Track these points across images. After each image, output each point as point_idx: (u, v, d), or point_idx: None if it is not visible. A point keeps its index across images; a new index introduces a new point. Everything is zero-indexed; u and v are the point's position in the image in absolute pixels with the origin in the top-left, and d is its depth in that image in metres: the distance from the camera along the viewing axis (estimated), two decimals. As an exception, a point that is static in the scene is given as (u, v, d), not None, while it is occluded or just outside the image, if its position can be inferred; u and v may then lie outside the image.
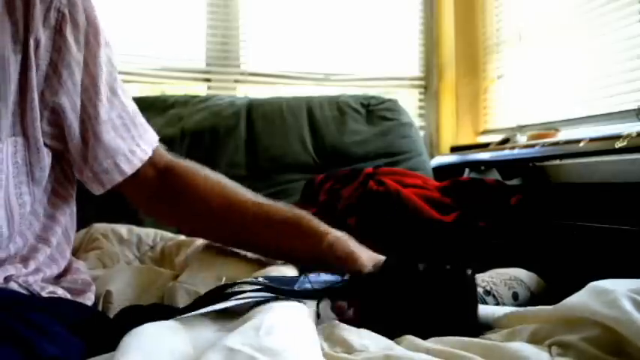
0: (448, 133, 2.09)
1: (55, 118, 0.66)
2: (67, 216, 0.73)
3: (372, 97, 1.71)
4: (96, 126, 0.69)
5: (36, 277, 0.66)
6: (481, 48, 2.05)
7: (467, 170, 1.67)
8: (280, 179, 1.53)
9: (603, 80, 1.50)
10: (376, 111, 1.67)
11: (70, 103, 0.66)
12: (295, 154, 1.57)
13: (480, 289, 0.87)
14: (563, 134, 1.52)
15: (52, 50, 0.64)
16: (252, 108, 1.62)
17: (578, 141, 1.21)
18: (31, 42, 0.61)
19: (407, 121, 1.69)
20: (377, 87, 2.06)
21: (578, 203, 1.22)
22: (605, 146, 1.14)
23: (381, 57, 2.10)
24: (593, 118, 1.51)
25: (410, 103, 2.11)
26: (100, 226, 1.15)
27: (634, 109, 1.32)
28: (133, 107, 0.75)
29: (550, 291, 0.95)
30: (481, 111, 2.06)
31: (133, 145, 0.74)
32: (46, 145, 0.66)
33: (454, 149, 1.91)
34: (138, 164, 0.74)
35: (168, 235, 1.19)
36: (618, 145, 1.08)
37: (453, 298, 0.43)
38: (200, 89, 1.98)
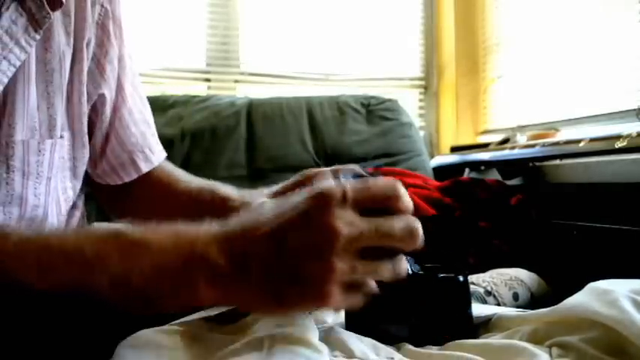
0: (448, 133, 2.09)
1: (92, 114, 0.67)
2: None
3: (372, 97, 1.71)
4: (121, 120, 0.70)
5: None
6: (481, 48, 2.05)
7: (467, 170, 1.67)
8: (280, 179, 1.50)
9: (603, 80, 1.50)
10: (376, 111, 1.67)
11: (109, 97, 0.67)
12: (295, 154, 1.57)
13: (480, 290, 0.87)
14: (563, 134, 1.52)
15: (96, 45, 0.64)
16: (252, 108, 1.62)
17: (578, 141, 1.21)
18: (86, 37, 0.62)
19: (407, 121, 1.69)
20: (377, 87, 2.06)
21: (578, 203, 1.22)
22: (605, 146, 1.14)
23: (381, 57, 2.10)
24: (593, 118, 1.51)
25: (410, 103, 2.11)
26: (100, 226, 1.15)
27: (634, 109, 1.32)
28: (148, 103, 0.76)
29: (550, 291, 0.95)
30: (481, 111, 2.06)
31: (153, 142, 0.75)
32: None
33: (454, 149, 1.90)
34: (155, 164, 0.75)
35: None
36: (618, 145, 1.08)
37: (445, 306, 0.42)
38: (200, 89, 1.98)
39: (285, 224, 0.37)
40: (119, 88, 0.70)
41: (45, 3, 0.54)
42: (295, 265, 0.36)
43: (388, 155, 1.59)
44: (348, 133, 1.62)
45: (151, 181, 0.76)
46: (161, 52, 1.88)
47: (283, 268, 0.36)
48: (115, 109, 0.70)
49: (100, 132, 0.69)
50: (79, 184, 0.67)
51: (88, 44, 0.63)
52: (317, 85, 2.03)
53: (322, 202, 0.37)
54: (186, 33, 1.93)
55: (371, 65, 2.08)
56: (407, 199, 0.40)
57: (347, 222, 0.36)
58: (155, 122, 0.79)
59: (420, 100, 2.17)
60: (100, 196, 0.78)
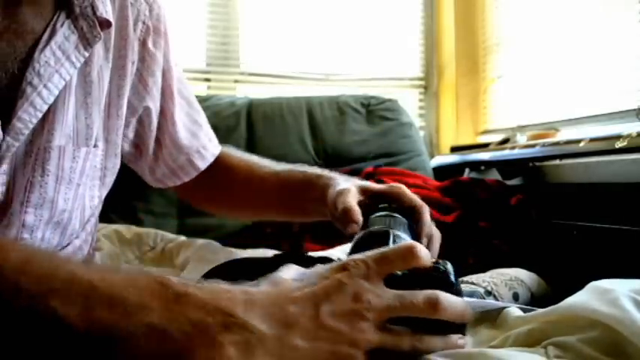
0: (448, 133, 2.09)
1: (140, 127, 0.72)
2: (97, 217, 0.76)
3: (372, 97, 1.71)
4: (171, 127, 0.74)
5: None
6: (481, 48, 2.05)
7: (467, 170, 1.67)
8: (280, 179, 1.53)
9: (603, 80, 1.50)
10: (376, 111, 1.67)
11: (155, 108, 0.72)
12: (295, 154, 1.57)
13: (480, 290, 0.87)
14: (563, 134, 1.52)
15: (138, 60, 0.68)
16: (252, 108, 1.62)
17: (578, 141, 1.21)
18: (128, 55, 0.65)
19: (407, 121, 1.69)
20: (377, 87, 2.06)
21: (578, 203, 1.22)
22: (605, 146, 1.14)
23: (381, 57, 2.10)
24: (593, 118, 1.51)
25: (410, 103, 2.11)
26: (101, 227, 1.16)
27: (634, 109, 1.32)
28: (197, 102, 0.80)
29: (550, 291, 0.95)
30: (481, 111, 2.06)
31: (206, 140, 0.80)
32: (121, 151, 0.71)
33: (454, 149, 1.91)
34: (210, 159, 0.81)
35: (169, 235, 1.19)
36: (618, 145, 1.08)
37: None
38: (200, 89, 1.98)
39: (320, 294, 0.39)
40: (169, 95, 0.73)
41: (97, 24, 0.57)
42: (330, 329, 0.38)
43: (388, 155, 1.59)
44: (348, 133, 1.62)
45: (227, 168, 0.82)
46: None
47: (319, 332, 0.38)
48: (167, 116, 0.74)
49: (151, 141, 0.74)
50: (105, 193, 0.69)
51: (132, 63, 0.66)
52: (317, 85, 2.03)
53: (352, 273, 0.40)
54: (186, 33, 1.93)
55: (371, 65, 2.08)
56: (425, 256, 0.43)
57: (376, 294, 0.40)
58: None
59: (420, 100, 2.17)
60: (179, 192, 0.85)
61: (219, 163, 0.83)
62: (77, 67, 0.57)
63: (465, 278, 0.93)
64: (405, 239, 0.52)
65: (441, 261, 0.45)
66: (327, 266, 0.42)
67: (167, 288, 0.37)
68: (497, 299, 0.86)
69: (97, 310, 0.35)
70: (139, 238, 1.14)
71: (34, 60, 0.54)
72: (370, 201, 0.64)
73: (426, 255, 0.43)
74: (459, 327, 0.43)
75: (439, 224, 1.20)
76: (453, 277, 0.44)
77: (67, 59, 0.56)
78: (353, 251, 0.52)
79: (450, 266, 0.45)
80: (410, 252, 0.42)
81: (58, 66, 0.55)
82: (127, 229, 1.16)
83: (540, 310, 0.46)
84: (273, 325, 0.37)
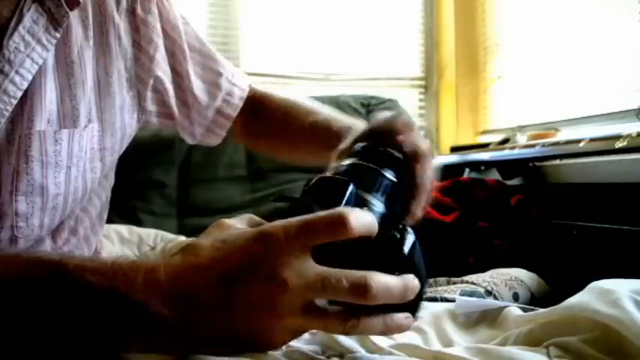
0: (448, 133, 2.09)
1: (158, 95, 0.70)
2: (103, 199, 0.74)
3: (372, 97, 1.71)
4: (189, 85, 0.72)
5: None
6: (481, 48, 2.05)
7: (467, 170, 1.67)
8: (280, 179, 1.53)
9: (603, 80, 1.50)
10: (376, 111, 1.67)
11: (165, 74, 0.69)
12: (295, 154, 1.56)
13: (480, 290, 0.87)
14: (563, 134, 1.52)
15: (132, 31, 0.65)
16: (253, 108, 1.62)
17: (578, 141, 1.21)
18: (111, 28, 0.63)
19: (407, 121, 1.69)
20: (377, 87, 2.06)
21: (578, 203, 1.22)
22: (605, 146, 1.14)
23: (381, 57, 2.10)
24: (593, 118, 1.51)
25: (410, 103, 2.11)
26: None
27: (634, 109, 1.32)
28: (213, 50, 0.77)
29: (550, 291, 0.95)
30: (481, 111, 2.06)
31: (229, 86, 0.77)
32: (142, 122, 0.70)
33: (454, 149, 1.90)
34: (239, 103, 0.78)
35: (169, 235, 1.20)
36: (618, 145, 1.08)
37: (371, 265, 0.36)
38: (200, 89, 1.98)
39: (231, 270, 0.35)
40: (180, 53, 0.71)
41: (63, 2, 0.56)
42: (242, 312, 0.35)
43: (388, 155, 1.59)
44: (348, 133, 1.61)
45: (264, 109, 0.79)
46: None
47: (230, 316, 0.35)
48: (183, 76, 0.72)
49: (177, 106, 0.72)
50: (111, 174, 0.69)
51: (119, 37, 0.64)
52: (317, 85, 2.03)
53: (269, 246, 0.35)
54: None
55: (371, 65, 2.08)
56: (358, 227, 0.35)
57: (296, 272, 0.34)
58: (154, 122, 0.80)
59: (420, 100, 2.17)
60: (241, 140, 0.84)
61: (254, 105, 0.80)
62: (49, 50, 0.56)
63: (465, 278, 0.93)
64: (369, 200, 0.41)
65: (401, 226, 0.38)
66: (248, 233, 0.36)
67: (63, 275, 0.36)
68: (497, 299, 0.86)
69: None
70: (139, 238, 1.14)
71: (3, 47, 0.53)
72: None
73: (362, 225, 0.36)
74: (409, 304, 0.37)
75: (439, 224, 1.21)
76: (407, 249, 0.37)
77: (37, 43, 0.55)
78: (302, 197, 0.43)
79: (409, 234, 0.38)
80: (339, 222, 0.35)
81: (29, 50, 0.54)
82: (126, 229, 1.16)
83: (541, 310, 0.46)
84: (177, 308, 0.34)
